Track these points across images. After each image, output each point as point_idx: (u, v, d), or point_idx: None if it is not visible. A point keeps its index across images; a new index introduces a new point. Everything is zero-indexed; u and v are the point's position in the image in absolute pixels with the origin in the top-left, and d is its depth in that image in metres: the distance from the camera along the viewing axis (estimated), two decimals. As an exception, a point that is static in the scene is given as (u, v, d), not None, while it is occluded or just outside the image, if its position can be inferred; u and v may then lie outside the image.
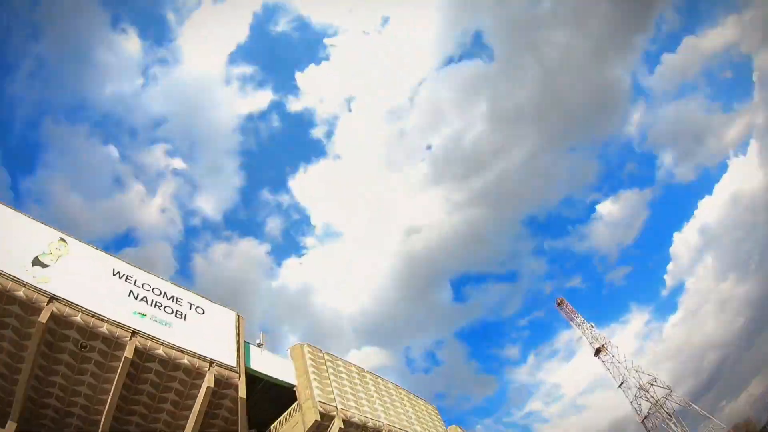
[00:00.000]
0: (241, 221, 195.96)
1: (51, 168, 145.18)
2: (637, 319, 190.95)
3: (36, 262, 21.17)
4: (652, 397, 77.45)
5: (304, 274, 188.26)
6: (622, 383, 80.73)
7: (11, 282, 19.29)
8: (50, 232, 23.18)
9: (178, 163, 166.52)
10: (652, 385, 78.19)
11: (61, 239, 23.31)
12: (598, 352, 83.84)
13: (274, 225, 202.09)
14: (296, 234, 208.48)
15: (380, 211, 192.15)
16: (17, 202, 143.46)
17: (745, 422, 73.03)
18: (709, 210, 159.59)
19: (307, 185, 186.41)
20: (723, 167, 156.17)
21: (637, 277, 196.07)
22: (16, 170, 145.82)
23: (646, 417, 78.01)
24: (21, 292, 19.35)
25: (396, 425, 34.02)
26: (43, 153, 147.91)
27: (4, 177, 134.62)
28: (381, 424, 32.17)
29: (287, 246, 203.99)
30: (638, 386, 78.73)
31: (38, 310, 19.48)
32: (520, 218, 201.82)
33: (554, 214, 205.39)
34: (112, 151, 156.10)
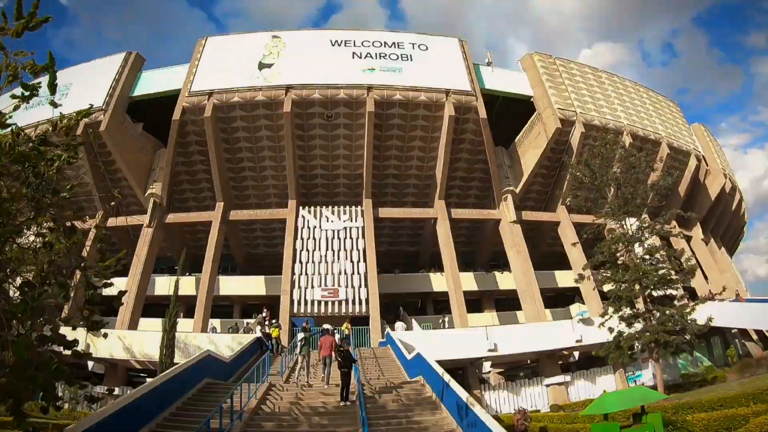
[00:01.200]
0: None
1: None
2: None
3: (261, 66, 24.42)
4: None
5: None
6: None
7: (248, 92, 23.24)
8: (262, 36, 25.66)
9: None
10: None
11: (274, 36, 25.53)
12: None
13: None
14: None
15: None
16: (221, 28, 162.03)
17: None
18: None
19: None
20: None
21: None
22: (205, 3, 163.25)
23: None
24: (260, 96, 23.18)
25: (637, 124, 30.30)
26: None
27: (200, 15, 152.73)
28: (622, 124, 29.24)
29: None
30: None
31: (280, 104, 23.08)
32: None
33: None
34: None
